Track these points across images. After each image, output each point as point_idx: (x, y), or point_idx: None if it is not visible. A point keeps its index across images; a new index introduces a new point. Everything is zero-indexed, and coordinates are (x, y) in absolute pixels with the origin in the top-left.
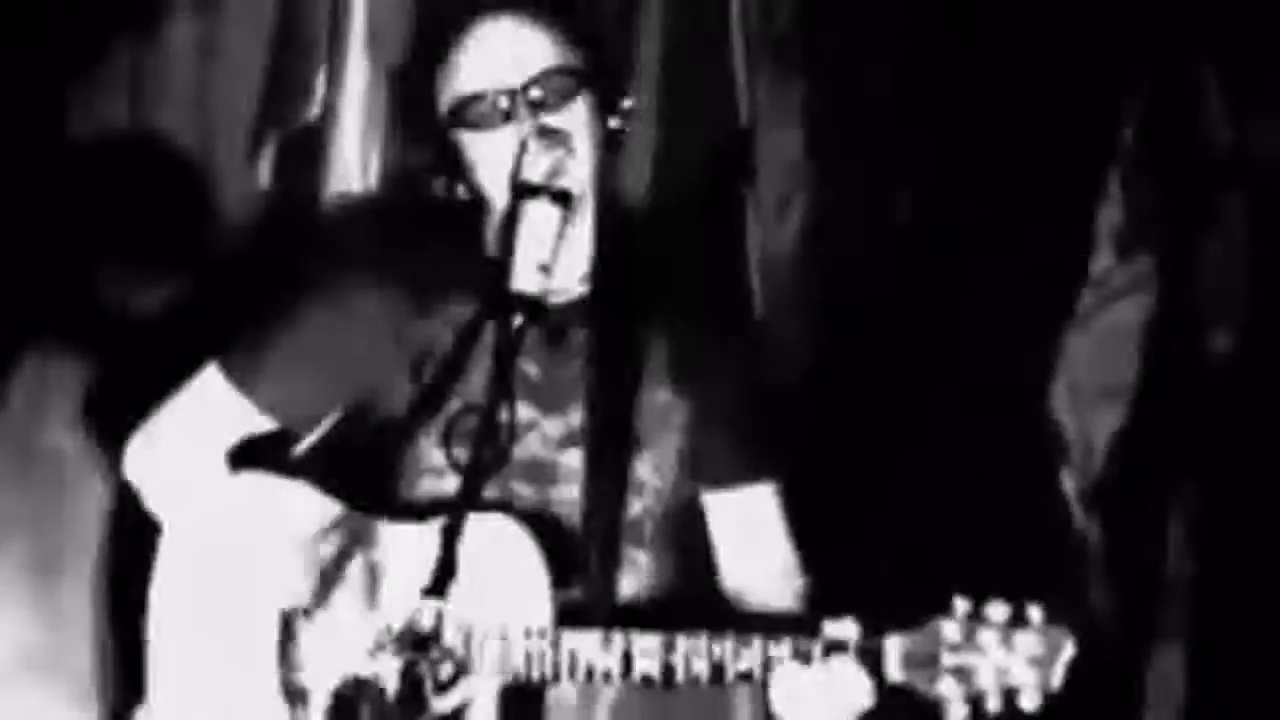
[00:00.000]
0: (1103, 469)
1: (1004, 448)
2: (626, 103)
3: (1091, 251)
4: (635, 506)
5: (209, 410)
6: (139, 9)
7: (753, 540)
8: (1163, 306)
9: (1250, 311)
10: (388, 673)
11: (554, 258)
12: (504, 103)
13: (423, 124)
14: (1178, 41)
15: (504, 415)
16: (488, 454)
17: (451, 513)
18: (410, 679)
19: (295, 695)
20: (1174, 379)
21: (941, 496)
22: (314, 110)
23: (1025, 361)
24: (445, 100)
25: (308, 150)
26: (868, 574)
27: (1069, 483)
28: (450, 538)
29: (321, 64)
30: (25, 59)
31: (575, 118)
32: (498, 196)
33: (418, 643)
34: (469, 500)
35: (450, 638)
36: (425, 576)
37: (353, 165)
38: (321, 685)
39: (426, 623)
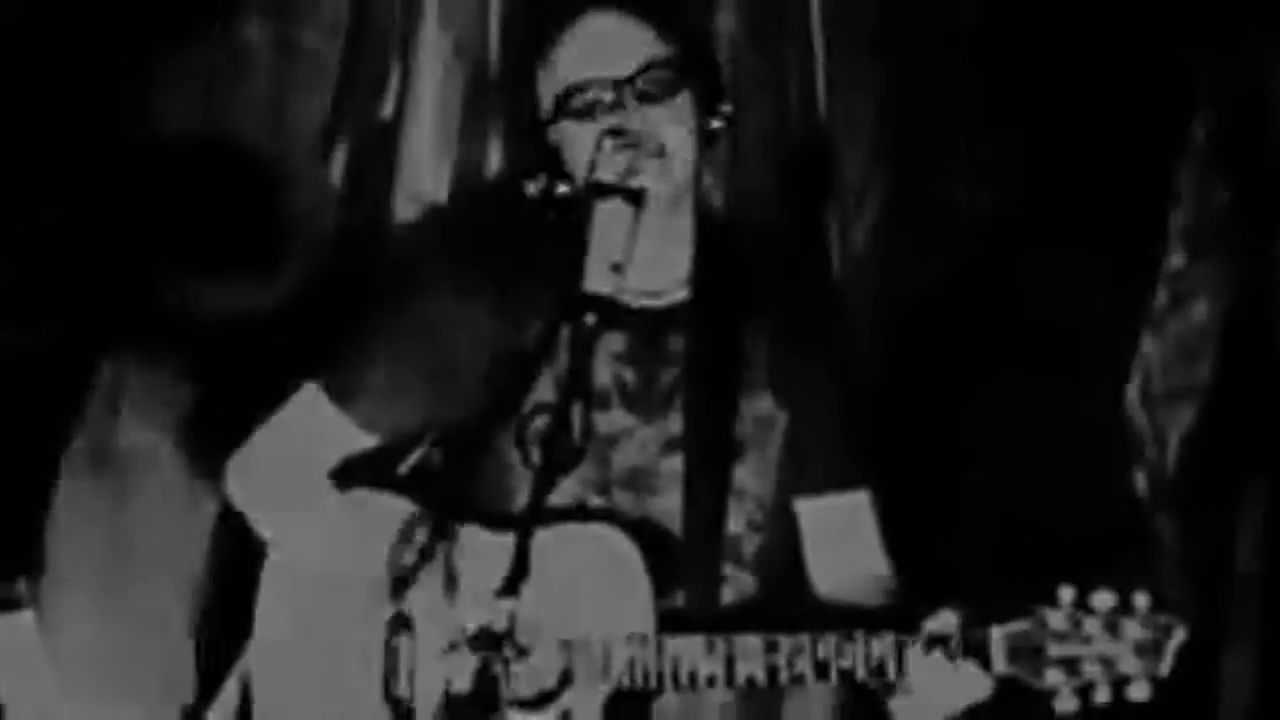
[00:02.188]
0: (1175, 468)
1: (1078, 447)
2: (725, 106)
3: (1164, 251)
4: (737, 515)
5: (310, 428)
6: (212, 10)
7: (846, 549)
8: (1235, 305)
9: None
10: (462, 672)
11: (627, 257)
12: (608, 94)
13: (524, 121)
14: (1250, 40)
15: (578, 417)
16: (561, 456)
17: (524, 513)
18: (485, 679)
19: (397, 705)
20: (1246, 378)
21: (1014, 496)
22: (387, 110)
23: (1099, 361)
24: (549, 93)
25: (380, 151)
26: (952, 574)
27: (1142, 482)
28: (522, 538)
29: (395, 63)
30: (100, 62)
31: (677, 114)
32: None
33: (491, 643)
34: (540, 501)
35: (550, 650)
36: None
37: (425, 166)
38: (422, 694)
39: (500, 623)
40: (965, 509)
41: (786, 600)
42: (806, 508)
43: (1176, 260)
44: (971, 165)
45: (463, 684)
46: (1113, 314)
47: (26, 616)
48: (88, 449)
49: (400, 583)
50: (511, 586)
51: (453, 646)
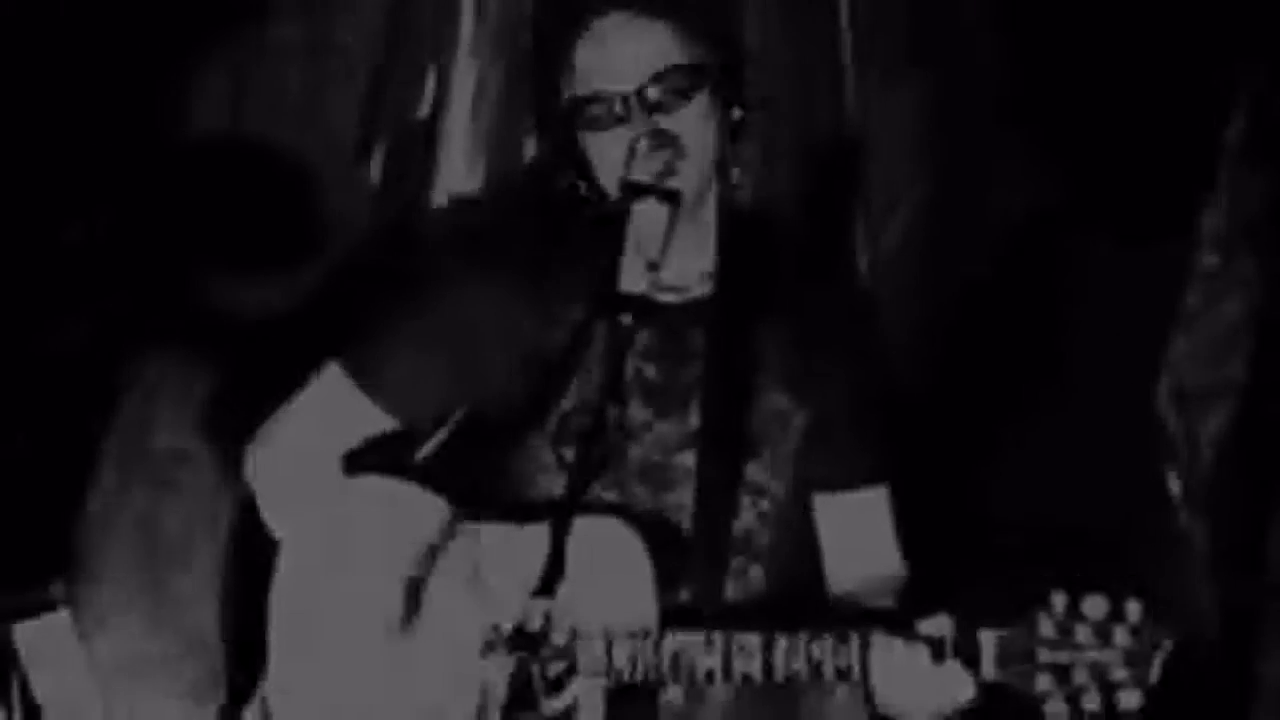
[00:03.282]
0: (1208, 468)
1: (1109, 447)
2: (751, 98)
3: (1197, 250)
4: (749, 511)
5: (331, 410)
6: (247, 11)
7: (863, 544)
8: (1267, 305)
9: None
10: (499, 673)
11: (663, 257)
12: (619, 107)
13: (545, 119)
14: None
15: (614, 415)
16: (596, 454)
17: (559, 513)
18: (521, 679)
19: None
20: (1278, 378)
21: (1046, 496)
22: (423, 110)
23: (1130, 361)
24: (565, 96)
25: (417, 150)
26: (966, 572)
27: (1174, 482)
28: (558, 537)
29: (430, 63)
30: (134, 63)
31: (693, 116)
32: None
33: (528, 642)
34: (575, 500)
35: (558, 638)
36: (534, 577)
37: (461, 164)
38: (439, 686)
39: (536, 622)
40: (993, 508)
41: (796, 595)
42: (823, 503)
43: (1209, 260)
44: (1005, 165)
45: (499, 684)
46: (1144, 313)
47: (63, 617)
48: (124, 449)
49: (434, 579)
50: (547, 586)
51: (489, 647)
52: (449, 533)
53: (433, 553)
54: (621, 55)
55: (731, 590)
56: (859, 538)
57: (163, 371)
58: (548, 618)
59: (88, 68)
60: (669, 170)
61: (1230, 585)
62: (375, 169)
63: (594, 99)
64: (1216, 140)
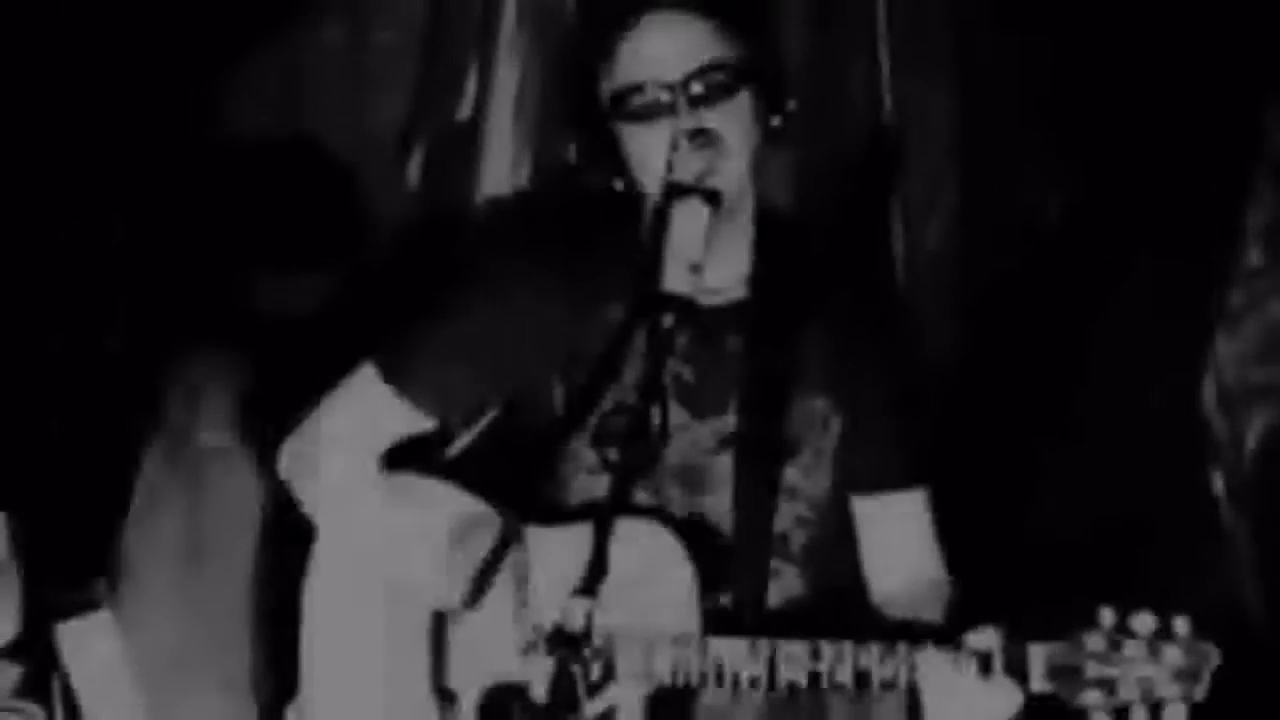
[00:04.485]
0: (1253, 468)
1: (1153, 447)
2: (790, 103)
3: (1240, 250)
4: (787, 513)
5: (365, 410)
6: (289, 11)
7: (902, 546)
8: None
9: None
10: (539, 673)
11: (704, 257)
12: (664, 96)
13: (583, 115)
14: None
15: (655, 416)
16: (638, 454)
17: (601, 513)
18: (562, 679)
19: (445, 695)
20: None
21: (1089, 497)
22: (464, 110)
23: (1175, 361)
24: (606, 91)
25: (458, 150)
26: (1013, 580)
27: (1219, 482)
28: (601, 537)
29: (472, 63)
30: (177, 62)
31: (735, 114)
32: (653, 190)
33: (569, 642)
34: (618, 500)
35: (598, 640)
36: (574, 577)
37: (504, 164)
38: (471, 686)
39: (577, 622)
40: (1034, 511)
41: (834, 598)
42: (862, 506)
43: (1253, 259)
44: (1042, 166)
45: (539, 685)
46: (1188, 313)
47: (104, 616)
48: (166, 449)
49: (474, 579)
50: (589, 586)
51: (530, 646)
52: (496, 532)
53: (495, 552)
54: (666, 47)
55: (771, 592)
56: (897, 541)
57: (204, 371)
58: (589, 618)
59: (133, 68)
60: (711, 170)
61: (1275, 584)
62: (415, 169)
63: (637, 90)
64: (1260, 141)
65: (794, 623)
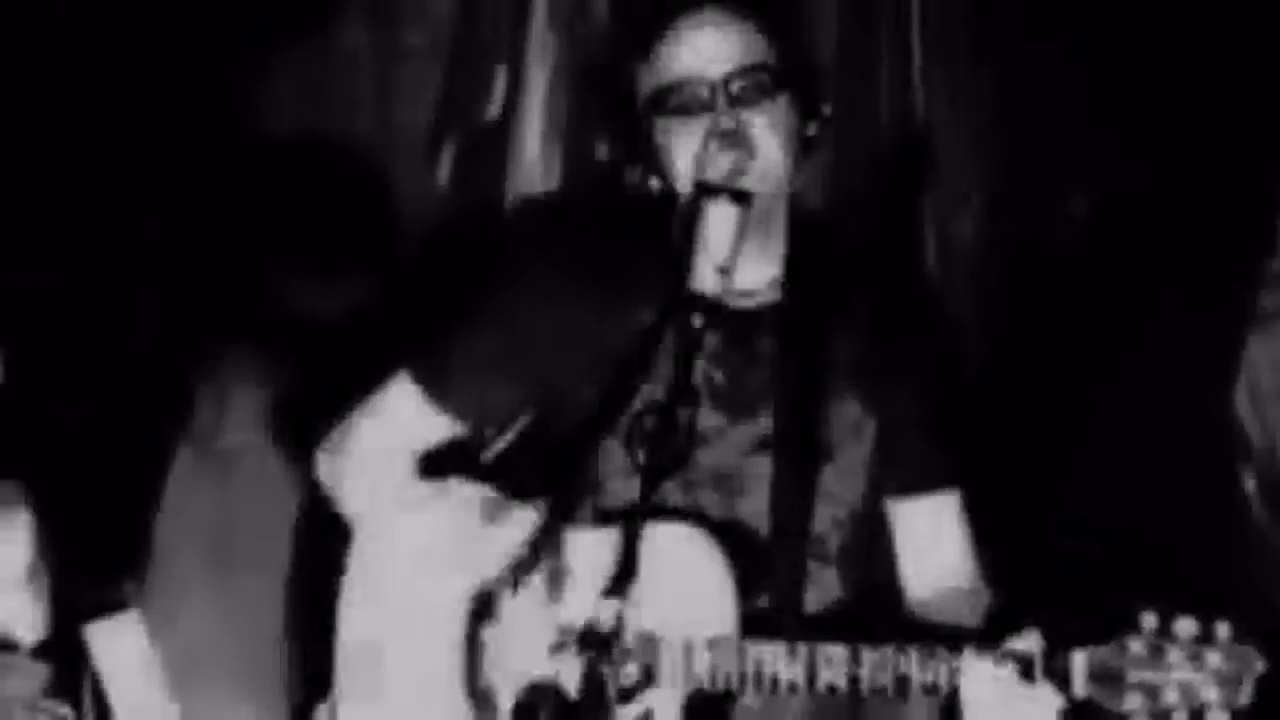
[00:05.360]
0: None
1: (1185, 448)
2: (826, 109)
3: (1271, 251)
4: (823, 516)
5: (399, 417)
6: (319, 13)
7: (938, 549)
8: None
9: None
10: (569, 673)
11: (733, 258)
12: (704, 92)
13: (620, 114)
14: None
15: (684, 417)
16: (667, 456)
17: (631, 513)
18: (592, 679)
19: (479, 696)
20: None
21: (1121, 499)
22: (494, 111)
23: (1206, 362)
24: (646, 88)
25: (488, 151)
26: (1052, 584)
27: (1251, 482)
28: (630, 538)
29: (501, 64)
30: (207, 64)
31: (772, 116)
32: (685, 190)
33: (599, 643)
34: (647, 501)
35: (633, 645)
36: (604, 578)
37: (534, 165)
38: (505, 686)
39: (607, 623)
40: (1069, 510)
41: (874, 601)
42: (897, 509)
43: None
44: (1074, 164)
45: (570, 684)
46: (1220, 313)
47: (134, 616)
48: (195, 449)
49: (507, 581)
50: (619, 587)
51: (560, 647)
52: (530, 534)
53: (529, 554)
54: (708, 46)
55: (809, 595)
56: (933, 543)
57: (235, 372)
58: (619, 618)
59: (166, 70)
60: (739, 170)
61: None
62: (445, 170)
63: (677, 86)
64: None
65: (831, 626)
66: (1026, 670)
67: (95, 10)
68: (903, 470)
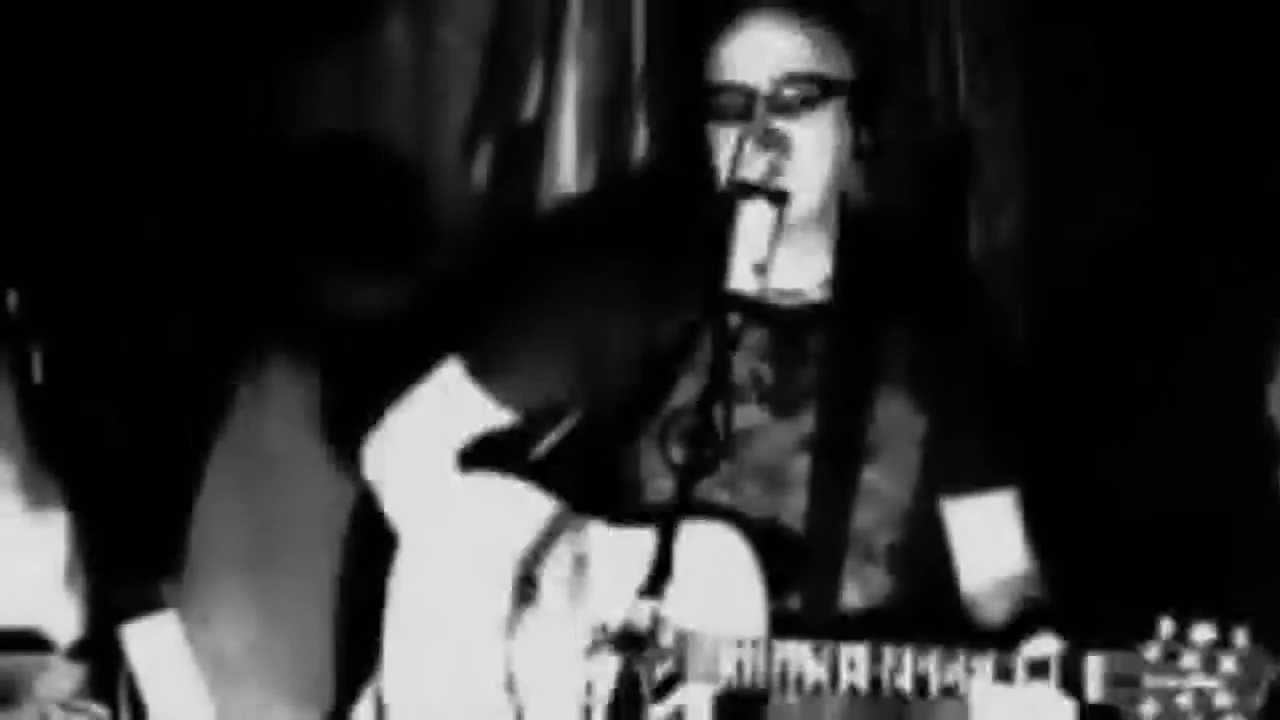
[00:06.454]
0: None
1: (1218, 448)
2: (885, 119)
3: None
4: (868, 515)
5: (449, 405)
6: (355, 13)
7: (993, 548)
8: None
9: None
10: (604, 672)
11: (770, 257)
12: (744, 100)
13: (669, 115)
14: None
15: (720, 416)
16: (704, 454)
17: (667, 513)
18: (627, 679)
19: (519, 693)
20: None
21: (1154, 498)
22: (530, 110)
23: (1240, 361)
24: (698, 89)
25: (524, 150)
26: (1080, 584)
27: None
28: (665, 538)
29: (537, 63)
30: (245, 64)
31: (819, 125)
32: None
33: (634, 642)
34: (684, 501)
35: (665, 642)
36: (641, 577)
37: (569, 164)
38: (543, 682)
39: (643, 622)
40: (1107, 508)
41: (923, 600)
42: (951, 508)
43: None
44: (1115, 165)
45: (604, 684)
46: (1256, 315)
47: (171, 617)
48: (233, 449)
49: (543, 578)
50: (655, 586)
51: (595, 646)
52: (558, 530)
53: (567, 552)
54: (759, 51)
55: (854, 593)
56: (988, 543)
57: (274, 371)
58: (655, 618)
59: (201, 69)
60: (775, 170)
61: None
62: (481, 170)
63: (725, 89)
64: None
65: (863, 627)
66: (1038, 674)
67: (137, 10)
68: (958, 469)
